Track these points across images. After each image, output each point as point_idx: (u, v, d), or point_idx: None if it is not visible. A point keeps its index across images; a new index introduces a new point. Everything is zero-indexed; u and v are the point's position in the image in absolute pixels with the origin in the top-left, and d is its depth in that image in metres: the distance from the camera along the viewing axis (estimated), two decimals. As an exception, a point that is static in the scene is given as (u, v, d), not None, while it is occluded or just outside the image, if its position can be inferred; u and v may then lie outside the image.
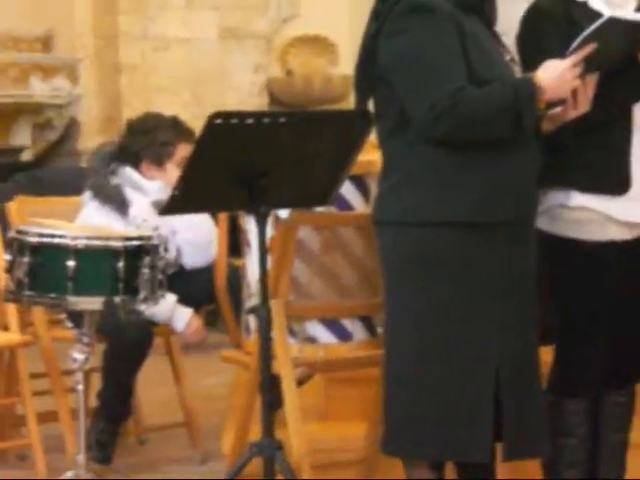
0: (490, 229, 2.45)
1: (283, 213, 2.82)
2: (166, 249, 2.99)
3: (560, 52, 2.42)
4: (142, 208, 3.53)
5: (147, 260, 2.84)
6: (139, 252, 2.85)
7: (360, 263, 2.92)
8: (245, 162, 2.53)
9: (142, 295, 2.86)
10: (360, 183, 2.93)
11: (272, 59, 7.52)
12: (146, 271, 2.84)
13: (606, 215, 2.58)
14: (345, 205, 2.92)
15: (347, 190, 2.89)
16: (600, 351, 2.65)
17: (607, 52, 2.41)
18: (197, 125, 2.75)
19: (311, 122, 2.64)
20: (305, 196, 2.70)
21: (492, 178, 2.44)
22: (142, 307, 2.96)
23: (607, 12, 2.44)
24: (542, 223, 2.62)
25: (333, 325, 2.90)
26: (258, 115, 2.59)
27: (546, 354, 2.71)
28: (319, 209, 2.83)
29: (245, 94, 7.16)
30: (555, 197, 2.61)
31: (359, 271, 2.92)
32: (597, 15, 2.44)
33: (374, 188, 2.74)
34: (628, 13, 2.50)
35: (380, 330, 2.87)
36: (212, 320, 3.86)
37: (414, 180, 2.46)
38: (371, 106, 2.59)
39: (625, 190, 2.58)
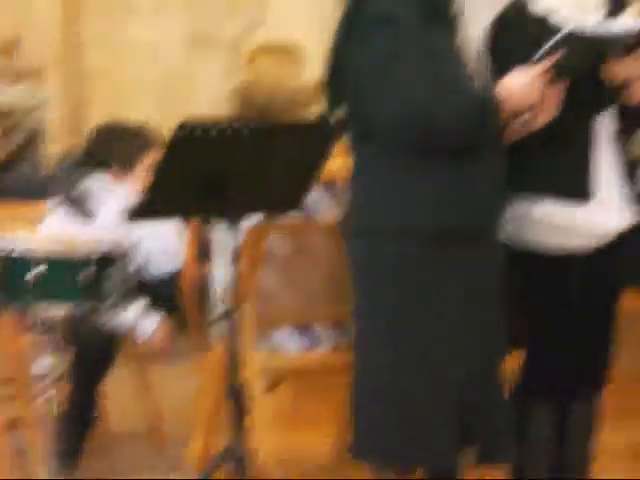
0: (458, 237, 2.46)
1: (252, 220, 2.82)
2: (133, 256, 2.98)
3: (526, 61, 2.44)
4: (109, 215, 3.52)
5: (114, 267, 2.83)
6: (106, 259, 2.83)
7: (329, 269, 2.92)
8: (213, 170, 2.52)
9: (109, 302, 2.84)
10: (329, 189, 2.94)
11: (239, 65, 7.51)
12: (113, 278, 2.82)
13: (570, 224, 2.60)
14: (314, 212, 2.93)
15: (316, 196, 2.90)
16: (568, 357, 2.67)
17: (573, 62, 2.44)
18: (164, 132, 2.74)
19: (278, 131, 2.64)
20: (274, 203, 2.70)
21: (461, 187, 2.45)
22: (109, 314, 2.95)
23: (570, 25, 2.46)
24: (507, 232, 2.64)
25: (301, 332, 2.91)
26: (225, 124, 2.59)
27: (514, 359, 2.73)
28: (288, 216, 2.83)
29: (212, 100, 7.14)
30: (519, 206, 2.63)
31: (328, 277, 2.93)
32: (557, 29, 2.46)
33: (343, 194, 2.75)
34: (591, 25, 2.51)
35: (349, 337, 2.88)
36: (179, 327, 3.84)
37: (382, 188, 2.47)
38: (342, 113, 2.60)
39: (588, 200, 2.60)
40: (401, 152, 2.44)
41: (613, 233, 2.66)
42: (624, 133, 2.68)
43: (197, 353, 3.26)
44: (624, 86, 2.54)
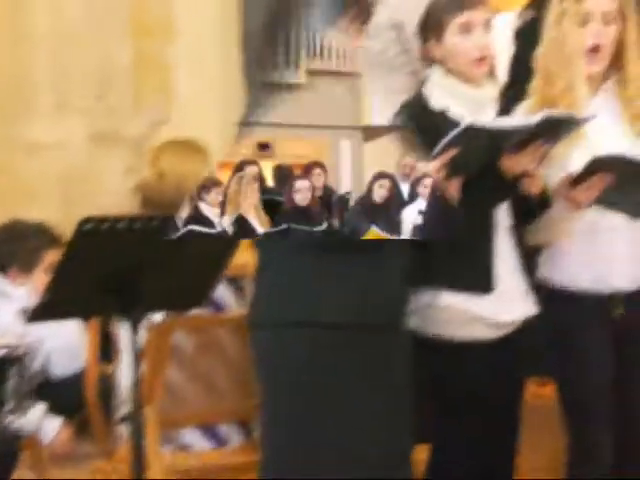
0: (362, 330, 2.48)
1: (156, 317, 2.79)
2: (33, 358, 2.90)
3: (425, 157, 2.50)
4: (8, 316, 3.43)
5: (13, 370, 2.76)
6: (5, 362, 2.76)
7: (235, 365, 2.90)
8: (116, 266, 2.49)
9: (8, 407, 2.76)
10: (235, 284, 2.94)
11: (143, 162, 7.52)
12: (12, 381, 2.75)
13: (472, 314, 2.64)
14: (220, 307, 2.91)
15: (222, 292, 2.88)
16: (474, 449, 2.68)
17: (469, 157, 2.50)
18: (67, 230, 2.71)
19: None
20: (179, 299, 2.67)
21: (363, 281, 2.48)
22: (8, 419, 2.86)
23: (467, 119, 2.53)
24: (413, 322, 2.66)
25: (208, 431, 2.86)
26: (129, 219, 2.57)
27: (422, 451, 2.73)
28: (193, 311, 2.80)
29: (116, 198, 7.11)
30: (423, 297, 2.66)
31: (234, 374, 2.90)
32: (457, 123, 2.53)
33: (249, 289, 2.75)
34: (487, 120, 2.59)
35: (256, 434, 2.84)
36: (82, 429, 3.74)
37: (287, 282, 2.48)
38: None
39: (490, 289, 2.64)
40: (307, 247, 2.45)
41: (515, 323, 2.70)
42: (520, 225, 2.75)
43: (102, 455, 3.16)
44: (521, 177, 2.62)
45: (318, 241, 2.45)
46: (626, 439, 2.74)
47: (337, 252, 2.45)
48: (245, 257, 2.80)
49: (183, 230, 5.54)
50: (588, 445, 2.74)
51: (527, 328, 2.73)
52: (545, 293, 2.76)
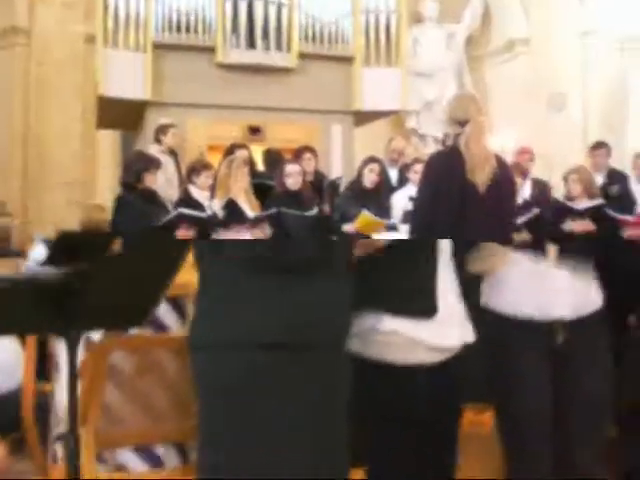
0: (302, 351, 2.46)
1: (95, 336, 2.75)
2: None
3: None
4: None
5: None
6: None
7: (174, 386, 2.86)
8: (54, 282, 2.46)
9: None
10: (176, 304, 2.91)
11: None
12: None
13: (414, 338, 2.65)
14: (160, 326, 2.88)
15: (163, 311, 2.86)
16: (411, 470, 2.68)
17: None
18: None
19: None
20: (119, 317, 2.63)
21: (302, 302, 2.47)
22: (-60, 436, 2.80)
23: None
24: (355, 345, 2.66)
25: (144, 452, 2.82)
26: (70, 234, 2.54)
27: (357, 474, 2.73)
28: (133, 331, 2.77)
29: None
30: (367, 320, 2.67)
31: (173, 395, 2.87)
32: None
33: (190, 309, 2.72)
34: None
35: (193, 456, 2.81)
36: (18, 447, 3.68)
37: (225, 303, 2.47)
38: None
39: (432, 314, 2.66)
40: (246, 267, 2.44)
41: (454, 349, 2.72)
42: (462, 252, 2.77)
43: (37, 473, 3.11)
44: None
45: (258, 262, 2.43)
46: (563, 457, 2.77)
47: (278, 272, 2.44)
48: (187, 277, 2.77)
49: (173, 213, 5.47)
50: (527, 468, 2.77)
51: (465, 354, 2.74)
52: (485, 320, 2.79)
